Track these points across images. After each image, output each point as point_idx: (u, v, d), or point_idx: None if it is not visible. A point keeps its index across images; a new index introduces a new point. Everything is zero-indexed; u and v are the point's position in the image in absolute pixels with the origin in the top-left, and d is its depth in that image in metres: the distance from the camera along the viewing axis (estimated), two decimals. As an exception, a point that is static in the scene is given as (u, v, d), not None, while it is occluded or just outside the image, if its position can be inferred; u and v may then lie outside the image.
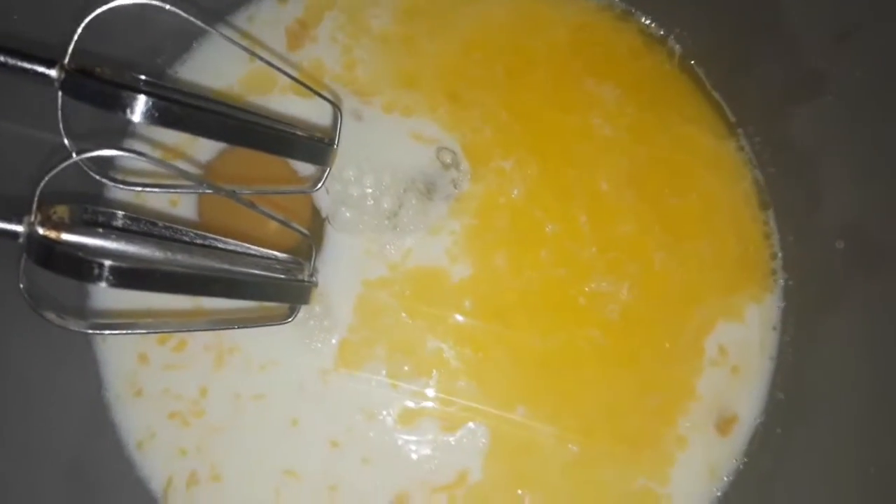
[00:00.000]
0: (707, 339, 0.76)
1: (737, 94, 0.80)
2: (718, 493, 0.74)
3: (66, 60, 0.50)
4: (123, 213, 0.56)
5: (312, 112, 0.76)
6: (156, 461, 0.72)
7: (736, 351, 0.76)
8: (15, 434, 0.65)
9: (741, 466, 0.75)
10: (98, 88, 0.49)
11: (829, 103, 0.72)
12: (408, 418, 0.74)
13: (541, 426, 0.74)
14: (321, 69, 0.78)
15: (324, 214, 0.75)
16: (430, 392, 0.74)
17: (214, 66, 0.77)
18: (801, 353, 0.75)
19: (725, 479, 0.75)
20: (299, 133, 0.63)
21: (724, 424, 0.75)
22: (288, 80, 0.70)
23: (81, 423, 0.72)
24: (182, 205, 0.73)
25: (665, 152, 0.79)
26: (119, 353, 0.73)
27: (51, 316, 0.53)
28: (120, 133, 0.73)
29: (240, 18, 0.78)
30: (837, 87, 0.71)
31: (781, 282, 0.78)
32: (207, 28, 0.56)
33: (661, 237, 0.77)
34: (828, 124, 0.73)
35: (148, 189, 0.61)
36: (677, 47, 0.81)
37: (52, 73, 0.49)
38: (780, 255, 0.78)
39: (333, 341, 0.74)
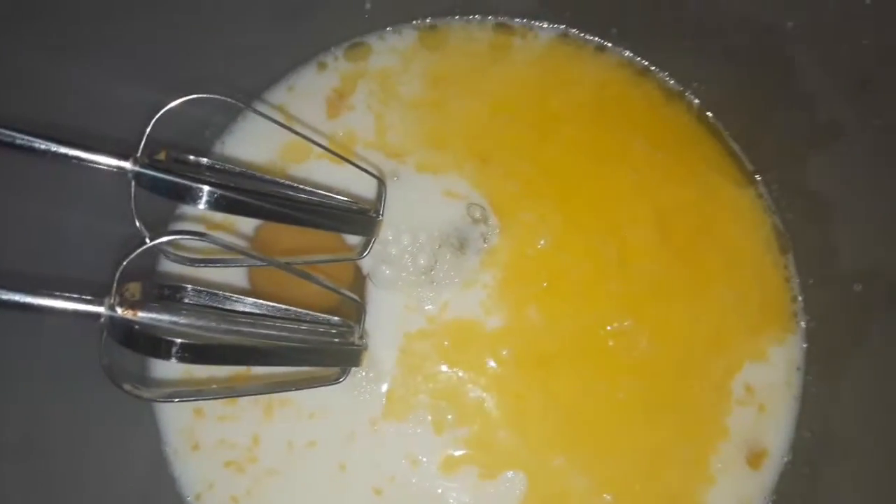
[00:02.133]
0: (734, 380, 0.79)
1: (754, 144, 0.84)
2: (751, 531, 0.77)
3: (139, 154, 0.55)
4: (190, 286, 0.60)
5: (351, 176, 0.78)
6: (214, 511, 0.76)
7: (762, 390, 0.79)
8: (82, 493, 0.69)
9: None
10: (170, 181, 0.53)
11: (845, 151, 0.76)
12: (449, 466, 0.77)
13: (577, 476, 0.77)
14: (356, 135, 0.83)
15: (365, 272, 0.79)
16: (472, 440, 0.77)
17: (257, 137, 0.82)
18: (826, 393, 0.78)
19: (757, 515, 0.78)
20: (345, 206, 0.67)
21: (755, 458, 0.78)
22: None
23: (143, 479, 0.76)
24: (233, 276, 0.78)
25: (688, 200, 0.83)
26: (177, 410, 0.77)
27: (129, 388, 0.57)
28: (171, 211, 0.77)
29: (280, 89, 0.83)
30: (853, 135, 0.74)
31: (803, 324, 0.81)
32: (248, 108, 0.60)
33: (686, 282, 0.81)
34: (844, 171, 0.76)
35: (208, 264, 0.66)
36: (695, 100, 0.85)
37: (127, 165, 0.54)
38: (800, 298, 0.81)
39: (380, 392, 0.78)
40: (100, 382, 0.66)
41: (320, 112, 0.83)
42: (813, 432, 0.78)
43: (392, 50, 0.85)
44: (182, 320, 0.55)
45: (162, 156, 0.59)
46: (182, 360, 0.52)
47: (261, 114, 0.64)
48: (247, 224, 0.79)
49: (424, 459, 0.77)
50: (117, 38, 0.64)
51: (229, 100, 0.61)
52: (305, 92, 0.83)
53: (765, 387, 0.79)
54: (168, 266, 0.76)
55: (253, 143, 0.81)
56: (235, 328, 0.57)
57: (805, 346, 0.80)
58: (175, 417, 0.78)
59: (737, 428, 0.78)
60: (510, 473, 0.77)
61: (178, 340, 0.51)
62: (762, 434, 0.79)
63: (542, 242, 0.81)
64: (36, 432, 0.65)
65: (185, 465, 0.77)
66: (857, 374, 0.75)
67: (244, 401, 0.78)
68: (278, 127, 0.75)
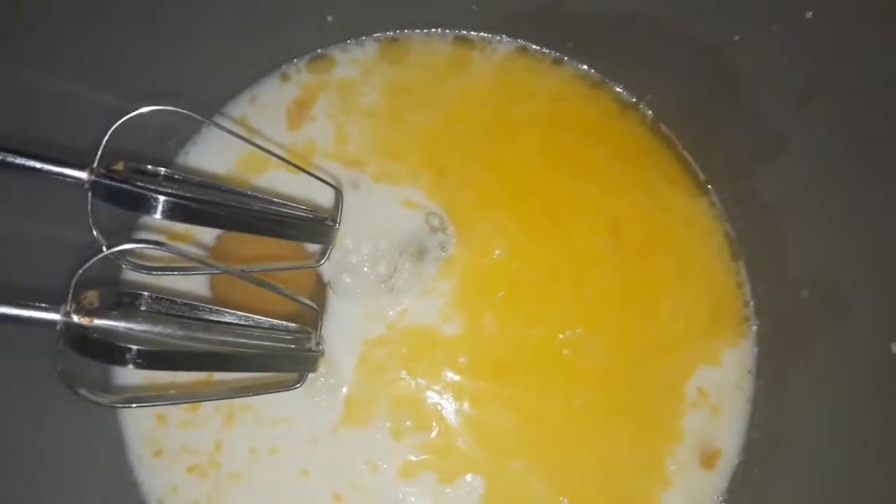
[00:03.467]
0: (688, 384, 0.82)
1: (706, 154, 0.86)
2: (702, 530, 0.79)
3: (95, 164, 0.56)
4: (147, 293, 0.61)
5: (309, 186, 0.80)
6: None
7: (715, 393, 0.81)
8: (45, 499, 0.70)
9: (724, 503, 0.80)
10: (125, 191, 0.54)
11: (792, 161, 0.78)
12: (408, 471, 0.79)
13: (534, 480, 0.79)
14: (316, 145, 0.84)
15: (326, 280, 0.81)
16: (430, 445, 0.79)
17: (219, 148, 0.83)
18: (775, 396, 0.80)
19: (709, 516, 0.80)
20: (303, 216, 0.68)
21: (708, 459, 0.80)
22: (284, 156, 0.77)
23: (106, 484, 0.77)
24: (193, 283, 0.79)
25: (641, 209, 0.85)
26: (140, 417, 0.78)
27: (84, 393, 0.58)
28: (131, 222, 0.79)
29: (244, 99, 0.85)
30: (799, 146, 0.76)
31: (754, 328, 0.83)
32: (208, 122, 0.61)
33: (639, 289, 0.83)
34: (791, 180, 0.79)
35: (167, 272, 0.67)
36: (649, 112, 0.87)
37: (83, 175, 0.55)
38: (751, 303, 0.84)
39: (339, 399, 0.79)
40: (62, 390, 0.67)
41: (281, 123, 0.84)
42: (763, 433, 0.80)
43: (353, 61, 0.87)
44: (138, 326, 0.57)
45: (120, 166, 0.60)
46: (138, 366, 0.53)
47: (219, 126, 0.65)
48: (209, 234, 0.80)
49: (384, 465, 0.79)
50: (78, 48, 0.65)
51: (188, 112, 0.62)
52: (268, 103, 0.85)
53: (717, 390, 0.81)
54: (131, 275, 0.77)
55: (215, 153, 0.83)
56: (192, 334, 0.59)
57: (756, 350, 0.83)
58: (138, 424, 0.79)
59: (691, 430, 0.80)
60: (468, 477, 0.79)
61: (134, 347, 0.53)
62: (715, 435, 0.81)
63: (497, 252, 0.83)
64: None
65: (149, 470, 0.78)
66: (805, 377, 0.78)
67: (206, 408, 0.79)
68: (236, 140, 0.77)
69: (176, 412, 0.79)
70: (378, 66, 0.87)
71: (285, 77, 0.86)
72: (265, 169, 0.83)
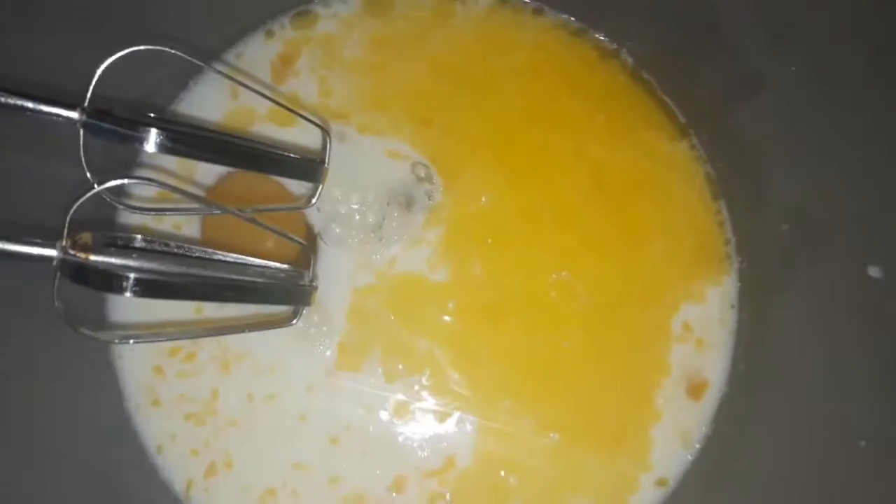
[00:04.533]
0: (673, 320, 0.83)
1: (685, 98, 0.88)
2: (690, 458, 0.81)
3: (86, 103, 0.57)
4: (140, 236, 0.63)
5: (296, 138, 0.83)
6: (176, 461, 0.79)
7: (699, 327, 0.83)
8: (45, 449, 0.72)
9: (710, 433, 0.82)
10: (116, 125, 0.56)
11: (769, 99, 0.79)
12: (402, 412, 0.81)
13: (525, 417, 0.81)
14: (300, 100, 0.85)
15: (316, 231, 0.82)
16: (423, 387, 0.81)
17: (207, 103, 0.84)
18: (758, 328, 0.82)
19: (697, 445, 0.82)
20: (293, 155, 0.70)
21: (695, 390, 0.82)
22: (268, 112, 0.78)
23: (106, 434, 0.79)
24: (186, 228, 0.81)
25: (623, 155, 0.86)
26: (136, 367, 0.80)
27: (84, 330, 0.59)
28: (128, 165, 0.80)
29: (230, 56, 0.86)
30: (775, 84, 0.78)
31: (736, 264, 0.85)
32: (205, 66, 0.63)
33: (622, 232, 0.85)
34: (768, 118, 0.80)
35: (161, 212, 0.68)
36: (629, 59, 0.89)
37: (75, 115, 0.56)
38: (733, 240, 0.86)
39: (333, 345, 0.81)
40: (59, 343, 0.68)
41: (265, 79, 0.86)
42: (748, 364, 0.82)
43: (336, 16, 0.88)
44: (134, 262, 0.58)
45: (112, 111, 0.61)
46: (136, 294, 0.54)
47: (214, 69, 0.66)
48: (201, 178, 0.81)
49: (378, 408, 0.80)
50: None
51: (178, 53, 0.63)
52: (252, 59, 0.86)
53: (702, 324, 0.83)
54: (125, 220, 0.78)
55: (201, 108, 0.84)
56: (187, 270, 0.60)
57: (738, 285, 0.84)
58: (135, 375, 0.80)
59: (677, 364, 0.82)
60: (460, 415, 0.80)
61: (132, 275, 0.54)
62: (701, 368, 0.83)
63: (483, 200, 0.84)
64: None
65: (147, 419, 0.79)
66: (786, 308, 0.80)
67: (202, 357, 0.81)
68: (225, 92, 0.79)
69: (172, 363, 0.80)
70: (361, 20, 0.88)
71: (269, 34, 0.87)
72: (250, 124, 0.84)
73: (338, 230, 0.83)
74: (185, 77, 0.83)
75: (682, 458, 0.81)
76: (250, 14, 0.86)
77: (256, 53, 0.86)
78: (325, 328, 0.81)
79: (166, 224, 0.79)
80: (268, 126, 0.84)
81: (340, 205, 0.83)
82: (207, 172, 0.81)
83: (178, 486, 0.79)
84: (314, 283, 0.69)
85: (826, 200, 0.76)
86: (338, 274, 0.82)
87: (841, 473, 0.70)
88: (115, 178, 0.59)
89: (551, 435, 0.80)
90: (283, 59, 0.86)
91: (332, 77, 0.86)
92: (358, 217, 0.83)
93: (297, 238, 0.69)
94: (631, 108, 0.89)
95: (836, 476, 0.70)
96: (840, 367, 0.73)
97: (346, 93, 0.86)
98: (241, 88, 0.80)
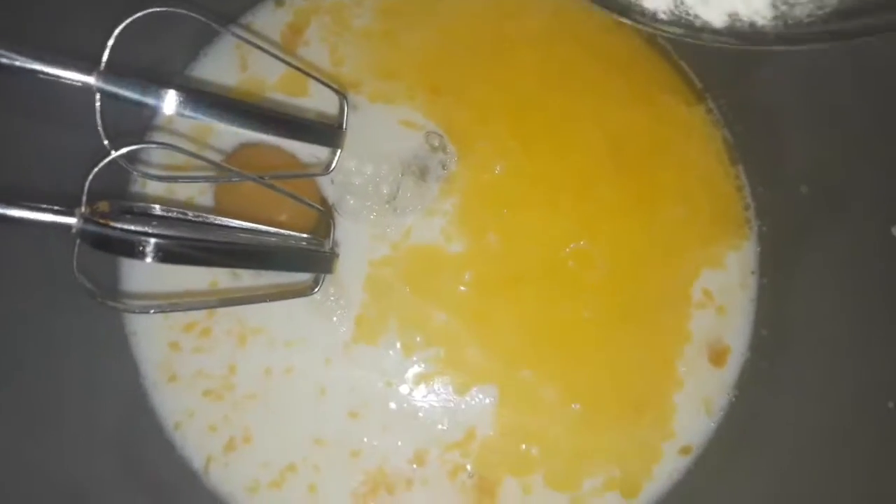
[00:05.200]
0: (693, 287, 0.83)
1: (701, 62, 0.86)
2: (713, 425, 0.80)
3: (102, 67, 0.56)
4: (157, 205, 0.62)
5: (309, 105, 0.82)
6: (195, 437, 0.78)
7: (720, 294, 0.83)
8: (63, 426, 0.71)
9: (733, 400, 0.81)
10: (135, 84, 0.54)
11: (784, 62, 0.78)
12: (421, 385, 0.80)
13: (546, 387, 0.80)
14: (311, 69, 0.83)
15: (330, 202, 0.81)
16: (442, 359, 0.80)
17: (218, 72, 0.83)
18: (779, 293, 0.81)
19: (720, 413, 0.81)
20: (312, 119, 0.69)
21: (717, 356, 0.81)
22: (278, 81, 0.77)
23: (124, 410, 0.78)
24: (199, 200, 0.79)
25: (639, 121, 0.85)
26: (152, 343, 0.79)
27: (104, 300, 0.58)
28: (141, 132, 0.78)
29: (238, 27, 0.84)
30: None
31: (755, 229, 0.84)
32: (222, 29, 0.62)
33: (640, 200, 0.83)
34: (784, 81, 0.79)
35: (179, 180, 0.67)
36: (644, 24, 0.87)
37: (91, 79, 0.55)
38: (752, 205, 0.85)
39: (350, 318, 0.80)
40: (74, 322, 0.68)
41: (276, 48, 0.84)
42: (770, 329, 0.81)
43: (345, -16, 0.86)
44: (153, 230, 0.57)
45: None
46: (156, 258, 0.53)
47: (232, 32, 0.65)
48: (216, 147, 0.80)
49: (397, 380, 0.79)
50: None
51: (194, 14, 0.62)
52: (262, 30, 0.85)
53: (722, 291, 0.83)
54: (140, 188, 0.77)
55: (211, 77, 0.83)
56: (206, 237, 0.59)
57: (758, 250, 0.84)
58: (151, 351, 0.79)
59: (698, 330, 0.82)
60: (481, 387, 0.80)
61: (152, 240, 0.53)
62: (723, 334, 0.82)
63: (498, 169, 0.83)
64: (8, 364, 0.66)
65: (164, 396, 0.79)
66: (807, 271, 0.79)
67: (217, 332, 0.80)
68: (235, 63, 0.77)
69: (188, 338, 0.79)
70: (371, -12, 0.87)
71: (279, 3, 0.86)
72: (262, 93, 0.83)
73: (352, 202, 0.82)
74: (195, 47, 0.82)
75: (706, 426, 0.81)
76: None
77: (266, 22, 0.85)
78: (342, 301, 0.80)
79: (179, 196, 0.78)
80: (279, 95, 0.82)
81: (354, 176, 0.81)
82: (221, 142, 0.80)
83: (198, 462, 0.78)
84: (335, 251, 0.68)
85: (844, 163, 0.75)
86: (353, 245, 0.81)
87: (869, 435, 0.69)
88: (131, 145, 0.57)
89: (573, 405, 0.80)
90: (292, 29, 0.85)
91: (343, 45, 0.85)
92: (372, 188, 0.82)
93: (315, 204, 0.68)
94: (646, 73, 0.88)
95: (864, 438, 0.70)
96: (864, 329, 0.72)
97: (356, 62, 0.85)
98: (251, 58, 0.79)
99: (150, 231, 0.56)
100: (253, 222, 0.68)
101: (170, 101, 0.54)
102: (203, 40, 0.82)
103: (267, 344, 0.79)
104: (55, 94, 0.56)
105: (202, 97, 0.55)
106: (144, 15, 0.56)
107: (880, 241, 0.70)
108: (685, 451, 0.81)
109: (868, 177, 0.73)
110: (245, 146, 0.78)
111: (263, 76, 0.83)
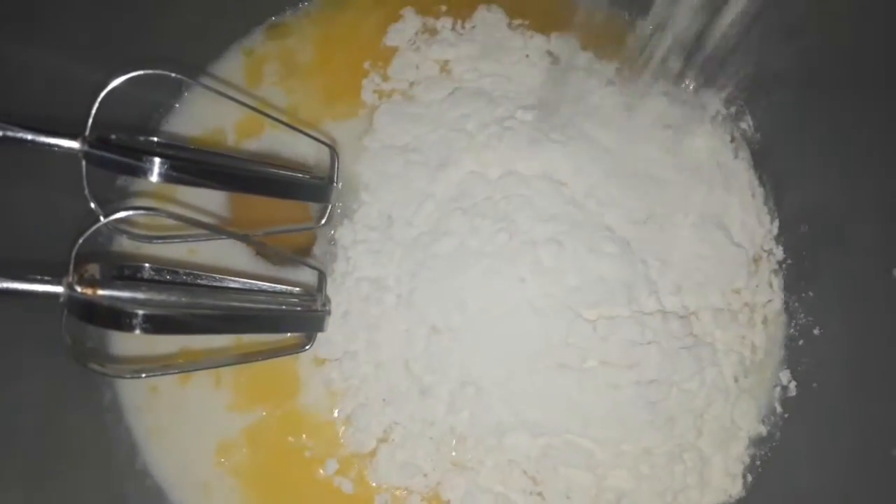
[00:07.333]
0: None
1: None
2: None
3: (87, 133, 0.55)
4: (148, 265, 0.61)
5: (299, 148, 0.79)
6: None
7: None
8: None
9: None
10: (119, 156, 0.54)
11: (781, 102, 0.79)
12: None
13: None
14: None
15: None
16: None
17: (198, 117, 0.81)
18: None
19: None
20: (301, 176, 0.68)
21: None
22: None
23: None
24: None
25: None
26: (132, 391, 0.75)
27: (94, 366, 0.57)
28: (131, 191, 0.76)
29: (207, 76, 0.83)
30: (787, 86, 0.78)
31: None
32: (201, 85, 0.61)
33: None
34: (780, 122, 0.80)
35: (169, 241, 0.66)
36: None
37: (76, 145, 0.54)
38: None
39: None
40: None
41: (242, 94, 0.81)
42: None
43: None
44: (142, 296, 0.56)
45: (114, 138, 0.59)
46: (145, 330, 0.52)
47: (209, 87, 0.64)
48: (208, 205, 0.78)
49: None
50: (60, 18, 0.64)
51: (172, 74, 0.61)
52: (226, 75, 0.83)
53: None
54: (126, 247, 0.75)
55: (193, 124, 0.81)
56: (197, 300, 0.58)
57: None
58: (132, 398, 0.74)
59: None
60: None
61: (140, 312, 0.52)
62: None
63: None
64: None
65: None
66: (816, 305, 0.78)
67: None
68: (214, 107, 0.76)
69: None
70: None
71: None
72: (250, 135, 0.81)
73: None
74: (176, 95, 0.81)
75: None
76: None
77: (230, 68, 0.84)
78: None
79: (170, 251, 0.76)
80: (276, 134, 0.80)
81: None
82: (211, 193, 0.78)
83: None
84: (327, 308, 0.67)
85: (840, 204, 0.74)
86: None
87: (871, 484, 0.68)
88: (120, 209, 0.56)
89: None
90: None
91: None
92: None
93: (313, 263, 0.67)
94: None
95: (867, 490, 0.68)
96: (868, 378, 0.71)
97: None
98: (225, 103, 0.77)
99: (138, 297, 0.55)
100: (267, 227, 0.68)
101: (155, 171, 0.53)
102: (177, 91, 0.81)
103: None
104: (40, 158, 0.55)
105: (187, 165, 0.54)
106: (126, 79, 0.55)
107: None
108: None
109: (868, 214, 0.72)
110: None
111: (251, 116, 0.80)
